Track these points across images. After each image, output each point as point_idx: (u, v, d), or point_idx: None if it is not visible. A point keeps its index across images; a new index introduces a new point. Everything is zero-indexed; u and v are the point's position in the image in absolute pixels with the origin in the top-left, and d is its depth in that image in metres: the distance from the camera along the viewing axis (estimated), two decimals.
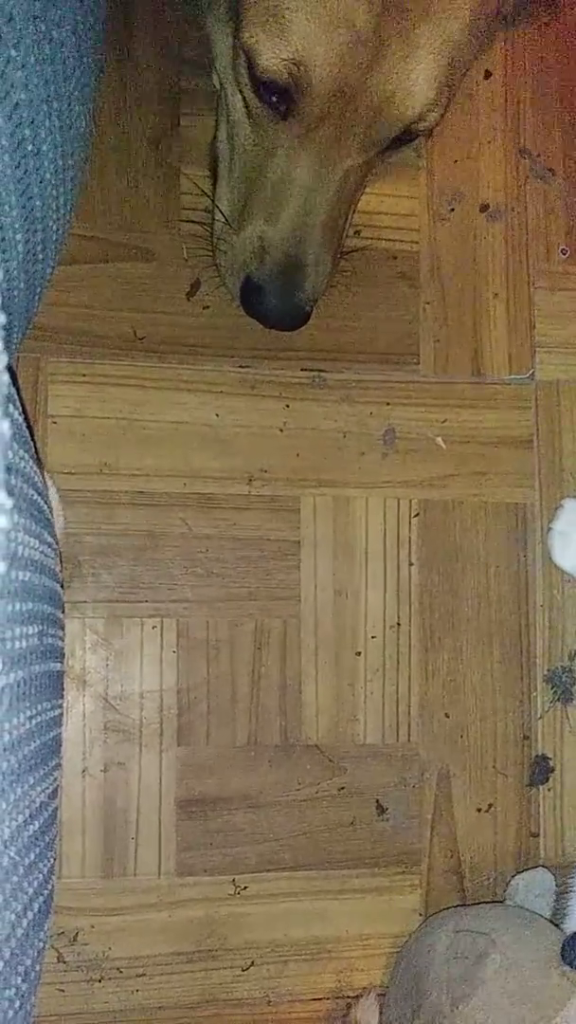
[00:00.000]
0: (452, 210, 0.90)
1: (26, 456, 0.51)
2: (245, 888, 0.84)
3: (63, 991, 0.81)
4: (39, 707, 0.50)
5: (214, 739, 0.84)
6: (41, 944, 0.52)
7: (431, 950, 0.79)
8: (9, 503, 0.27)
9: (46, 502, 0.57)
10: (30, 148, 0.48)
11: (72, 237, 0.79)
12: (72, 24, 0.51)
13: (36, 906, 0.49)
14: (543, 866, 0.87)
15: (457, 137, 0.90)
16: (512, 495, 0.90)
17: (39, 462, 0.61)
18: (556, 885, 0.86)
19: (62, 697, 0.61)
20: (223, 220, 0.76)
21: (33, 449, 0.56)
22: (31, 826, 0.48)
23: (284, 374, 0.86)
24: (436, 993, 0.76)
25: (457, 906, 0.86)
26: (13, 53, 0.44)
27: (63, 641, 0.61)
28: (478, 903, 0.86)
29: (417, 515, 0.88)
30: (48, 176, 0.51)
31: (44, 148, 0.50)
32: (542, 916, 0.82)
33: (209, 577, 0.84)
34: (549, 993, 0.73)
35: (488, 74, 0.91)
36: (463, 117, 0.90)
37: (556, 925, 0.81)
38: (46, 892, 0.53)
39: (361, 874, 0.86)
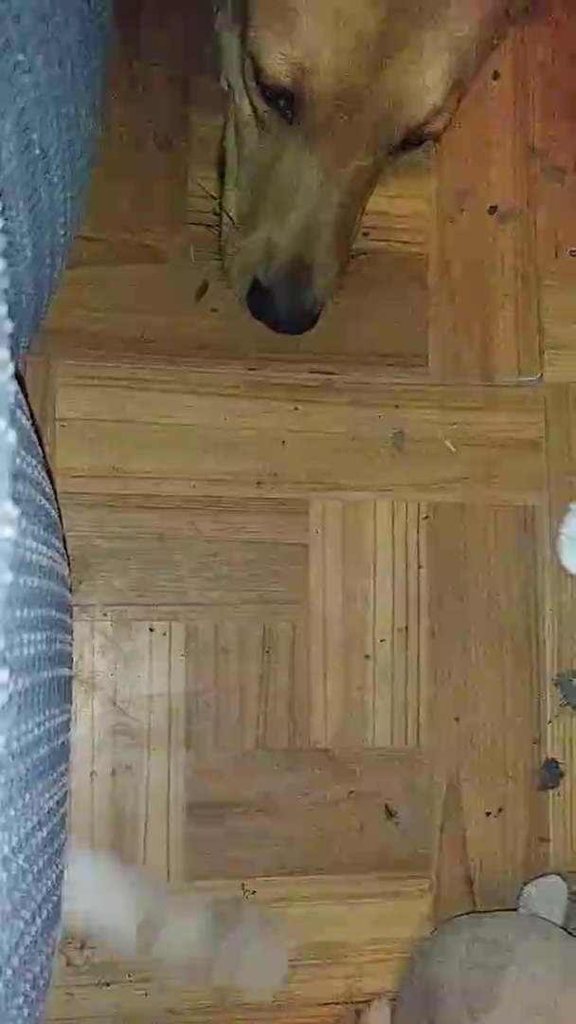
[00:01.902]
0: (461, 211, 0.90)
1: (33, 461, 0.50)
2: (254, 892, 0.84)
3: (72, 996, 0.80)
4: (47, 713, 0.50)
5: (223, 743, 0.83)
6: (50, 951, 0.51)
7: (447, 959, 0.79)
8: (15, 512, 0.27)
9: (54, 507, 0.57)
10: (37, 152, 0.48)
11: (79, 239, 0.78)
12: (79, 26, 0.51)
13: (45, 913, 0.49)
14: (556, 873, 0.87)
15: (466, 137, 0.90)
16: (522, 498, 0.89)
17: (47, 467, 0.61)
18: (569, 892, 0.86)
19: (71, 702, 0.61)
20: (231, 222, 0.76)
21: (41, 453, 0.56)
22: (39, 833, 0.48)
23: (293, 377, 0.86)
24: (453, 1002, 0.75)
25: (471, 913, 0.86)
26: (20, 57, 0.44)
27: (71, 646, 0.61)
28: (492, 911, 0.86)
29: (426, 518, 0.88)
30: (55, 179, 0.51)
31: (51, 152, 0.50)
32: (557, 925, 0.82)
33: (218, 580, 0.84)
34: (567, 1007, 0.73)
35: (497, 74, 0.90)
36: (472, 117, 0.90)
37: (570, 933, 0.81)
38: (55, 899, 0.53)
39: (370, 879, 0.86)
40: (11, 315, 0.30)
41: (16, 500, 0.28)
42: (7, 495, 0.26)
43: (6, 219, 0.45)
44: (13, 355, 0.29)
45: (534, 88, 0.91)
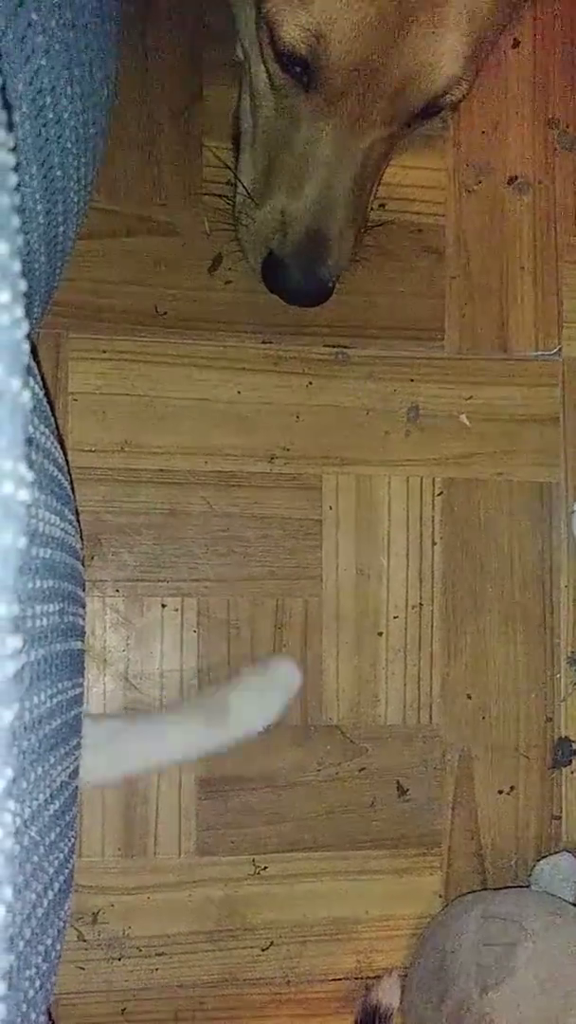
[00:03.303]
0: (479, 182, 0.88)
1: (46, 431, 0.50)
2: (265, 868, 0.84)
3: (83, 969, 0.81)
4: (60, 686, 0.49)
5: None
6: (62, 924, 0.51)
7: (459, 935, 0.79)
8: (30, 476, 0.26)
9: (66, 478, 0.56)
10: (51, 116, 0.47)
11: (92, 211, 0.78)
12: None
13: (56, 886, 0.49)
14: (568, 851, 0.87)
15: (484, 108, 0.88)
16: (537, 474, 0.88)
17: (60, 439, 0.60)
18: None
19: (83, 676, 0.60)
20: (245, 194, 0.75)
21: (54, 425, 0.55)
22: (52, 805, 0.48)
23: (307, 350, 0.85)
24: (464, 978, 0.75)
25: (482, 890, 0.86)
26: (34, 17, 0.43)
27: (84, 620, 0.60)
28: (504, 888, 0.86)
29: (441, 494, 0.87)
30: (69, 145, 0.50)
31: (65, 116, 0.49)
32: (568, 902, 0.82)
33: (230, 556, 0.83)
34: None
35: (516, 43, 0.89)
36: (491, 87, 0.88)
37: None
38: (66, 872, 0.52)
39: (381, 855, 0.86)
40: (24, 277, 0.29)
41: (28, 466, 0.28)
42: (22, 457, 0.26)
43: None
44: (29, 317, 0.28)
45: (554, 58, 0.90)
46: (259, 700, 0.81)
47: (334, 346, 0.85)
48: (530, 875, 0.86)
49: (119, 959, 0.81)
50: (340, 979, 0.86)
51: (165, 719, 0.80)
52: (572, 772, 0.89)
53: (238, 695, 0.80)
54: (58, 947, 0.51)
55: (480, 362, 0.88)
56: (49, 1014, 0.52)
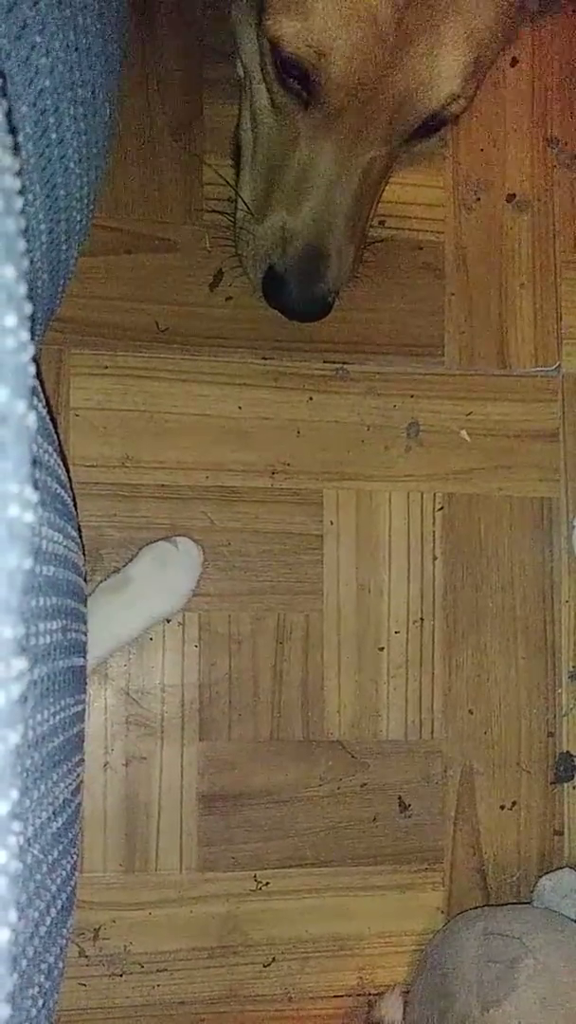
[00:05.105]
0: (478, 199, 0.89)
1: (50, 449, 0.50)
2: (267, 884, 0.83)
3: (85, 986, 0.81)
4: (63, 702, 0.50)
5: (236, 734, 0.83)
6: (64, 941, 0.51)
7: (460, 951, 0.79)
8: (35, 497, 0.26)
9: (69, 495, 0.57)
10: (54, 136, 0.47)
11: (94, 228, 0.78)
12: (96, 10, 0.50)
13: (59, 904, 0.49)
14: (571, 867, 0.86)
15: (483, 125, 0.89)
16: (537, 489, 0.89)
17: (62, 455, 0.61)
18: None
19: (85, 692, 0.60)
20: (245, 210, 0.75)
21: (56, 442, 0.55)
22: (54, 823, 0.48)
23: (307, 366, 0.85)
24: (465, 995, 0.75)
25: (484, 906, 0.86)
26: (38, 39, 0.43)
27: (86, 636, 0.60)
28: (506, 904, 0.85)
29: (441, 509, 0.87)
30: (72, 165, 0.51)
31: (68, 136, 0.49)
32: (570, 918, 0.81)
33: (231, 571, 0.83)
34: None
35: (515, 61, 0.89)
36: (489, 105, 0.89)
37: None
38: (69, 889, 0.52)
39: (383, 871, 0.86)
40: (28, 298, 0.29)
41: (33, 487, 0.28)
42: (27, 479, 0.26)
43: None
44: (32, 337, 0.29)
45: (552, 76, 0.90)
46: (163, 579, 0.80)
47: (334, 362, 0.86)
48: (532, 891, 0.86)
49: (120, 975, 0.81)
50: (342, 996, 0.85)
51: None
52: (574, 787, 0.89)
53: (141, 571, 0.79)
54: (60, 964, 0.51)
55: (480, 378, 0.88)
56: None
